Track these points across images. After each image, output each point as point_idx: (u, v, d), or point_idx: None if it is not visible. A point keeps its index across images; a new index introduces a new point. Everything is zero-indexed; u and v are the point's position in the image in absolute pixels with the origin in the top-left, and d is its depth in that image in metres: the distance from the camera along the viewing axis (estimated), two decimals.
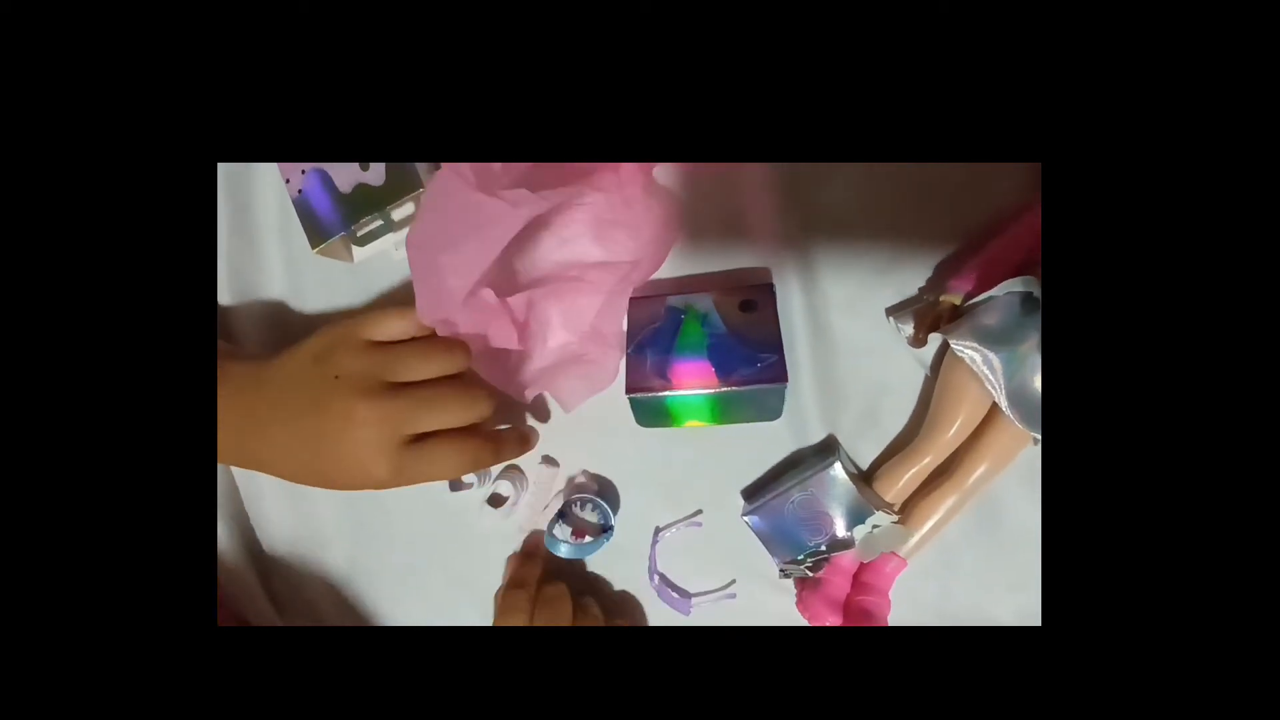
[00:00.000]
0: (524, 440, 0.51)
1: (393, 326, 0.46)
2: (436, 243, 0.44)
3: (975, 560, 0.50)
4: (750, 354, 0.47)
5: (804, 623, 0.50)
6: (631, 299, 0.50)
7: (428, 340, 0.46)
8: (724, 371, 0.46)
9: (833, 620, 0.49)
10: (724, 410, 0.48)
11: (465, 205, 0.43)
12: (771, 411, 0.48)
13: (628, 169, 0.48)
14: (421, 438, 0.44)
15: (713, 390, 0.46)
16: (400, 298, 0.55)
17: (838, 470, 0.48)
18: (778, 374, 0.46)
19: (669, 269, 0.52)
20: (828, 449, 0.51)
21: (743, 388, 0.46)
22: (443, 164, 0.44)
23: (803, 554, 0.49)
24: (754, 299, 0.49)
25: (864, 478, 0.50)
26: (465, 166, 0.43)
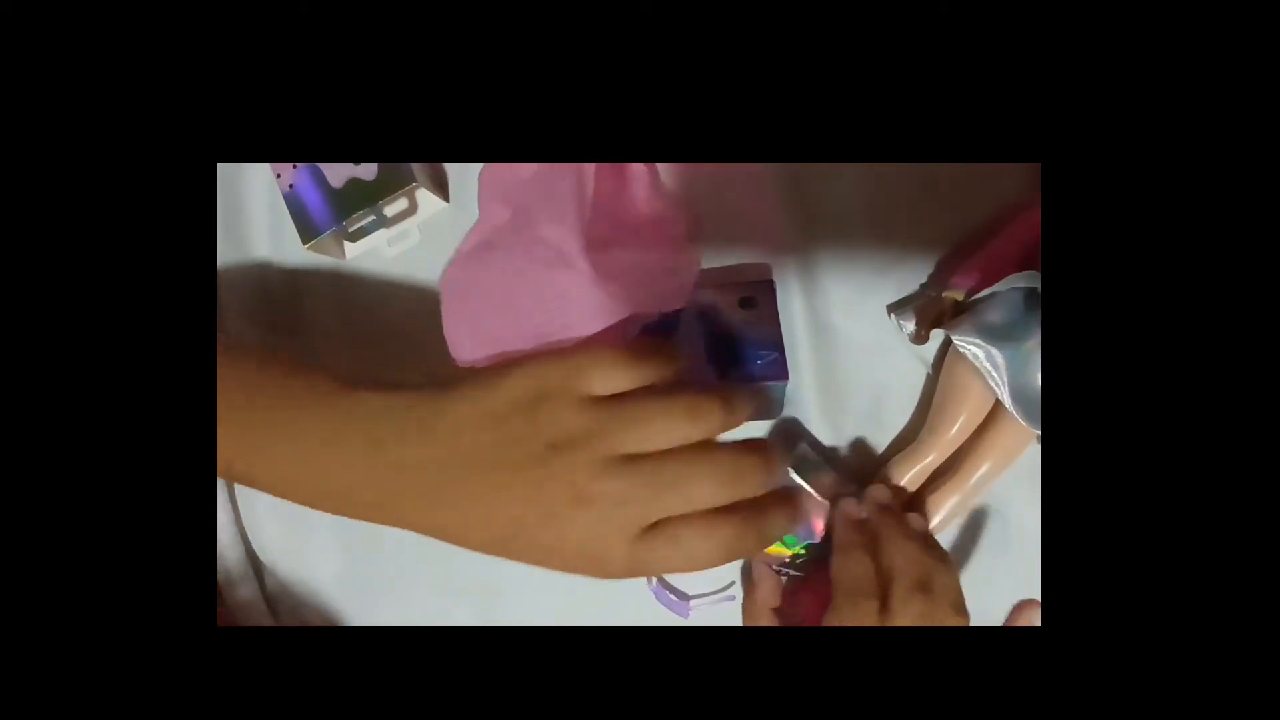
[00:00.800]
0: (791, 507, 0.39)
1: (618, 377, 0.37)
2: (485, 289, 0.43)
3: (978, 562, 0.50)
4: (750, 351, 0.46)
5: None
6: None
7: (666, 398, 0.37)
8: (722, 369, 0.46)
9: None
10: None
11: (562, 287, 0.41)
12: (772, 410, 0.48)
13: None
14: (665, 520, 0.36)
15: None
16: (398, 298, 0.54)
17: (804, 450, 0.48)
18: (779, 372, 0.46)
19: None
20: (794, 437, 0.50)
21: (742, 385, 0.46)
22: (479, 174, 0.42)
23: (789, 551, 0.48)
24: (753, 296, 0.49)
25: (828, 456, 0.50)
26: (568, 235, 0.41)
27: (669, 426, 0.36)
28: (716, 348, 0.46)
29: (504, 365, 0.38)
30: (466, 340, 0.44)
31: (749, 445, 0.37)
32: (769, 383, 0.46)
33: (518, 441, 0.36)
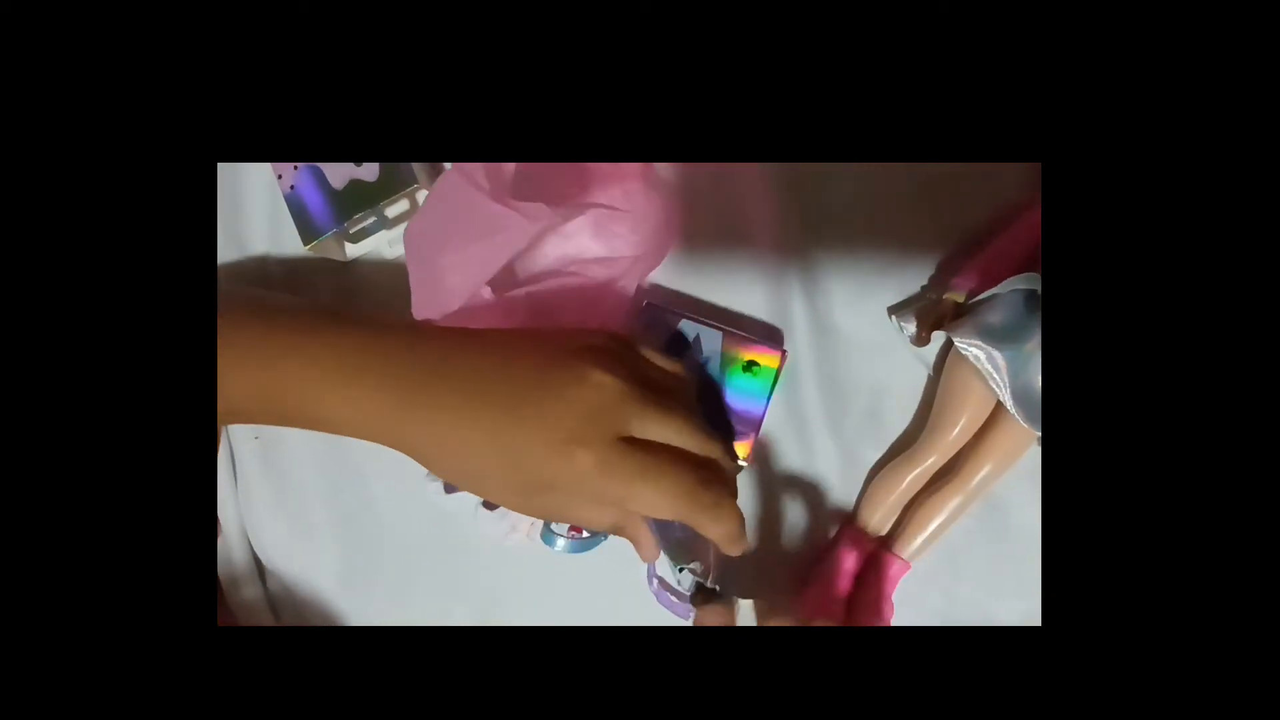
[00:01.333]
0: (733, 485, 0.42)
1: (668, 434, 0.38)
2: (438, 241, 0.44)
3: (980, 565, 0.50)
4: (726, 422, 0.48)
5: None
6: (648, 304, 0.50)
7: (685, 462, 0.38)
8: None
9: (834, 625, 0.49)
10: None
11: (474, 210, 0.42)
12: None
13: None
14: (641, 445, 0.38)
15: None
16: (392, 296, 0.54)
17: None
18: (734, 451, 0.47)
19: (676, 273, 0.52)
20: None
21: None
22: (451, 164, 0.43)
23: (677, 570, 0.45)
24: (759, 362, 0.49)
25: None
26: (476, 168, 0.42)
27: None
28: (703, 399, 0.47)
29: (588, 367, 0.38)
30: (425, 295, 0.45)
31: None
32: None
33: (554, 346, 0.39)
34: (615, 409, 0.37)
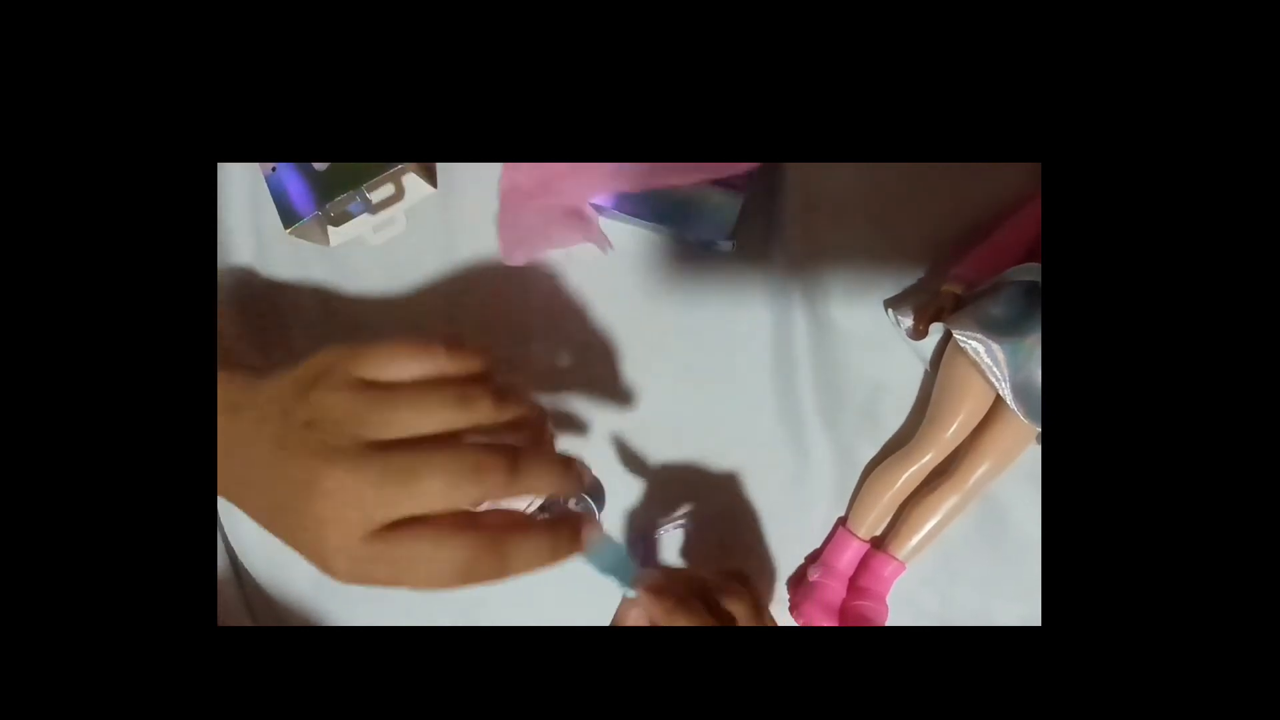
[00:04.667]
0: (549, 536, 0.35)
1: (400, 366, 0.35)
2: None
3: (978, 567, 0.51)
4: (701, 221, 0.50)
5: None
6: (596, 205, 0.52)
7: (437, 385, 0.35)
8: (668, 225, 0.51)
9: (828, 626, 0.49)
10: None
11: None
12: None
13: None
14: (402, 524, 0.33)
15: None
16: (383, 291, 0.55)
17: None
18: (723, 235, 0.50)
19: (673, 267, 0.53)
20: None
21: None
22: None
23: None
24: (729, 180, 0.50)
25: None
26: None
27: (428, 411, 0.34)
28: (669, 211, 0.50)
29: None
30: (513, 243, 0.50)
31: (499, 447, 0.34)
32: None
33: (287, 417, 0.35)
34: (350, 521, 0.33)
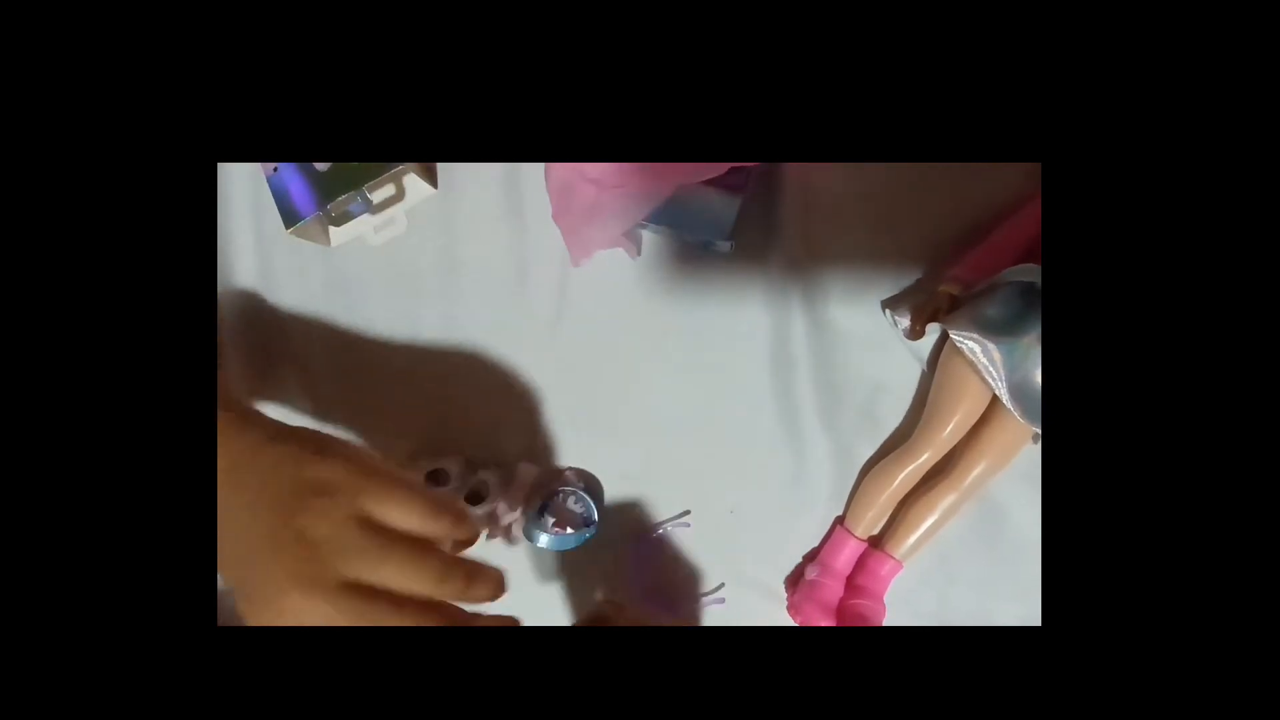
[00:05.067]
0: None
1: (404, 516, 0.38)
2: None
3: (975, 567, 0.51)
4: (700, 221, 0.51)
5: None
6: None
7: (427, 553, 0.38)
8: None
9: (825, 625, 0.50)
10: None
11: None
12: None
13: None
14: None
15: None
16: (379, 290, 0.55)
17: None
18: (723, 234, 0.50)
19: (672, 266, 0.53)
20: None
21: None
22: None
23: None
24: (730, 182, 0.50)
25: None
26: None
27: (411, 577, 0.37)
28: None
29: (328, 441, 0.40)
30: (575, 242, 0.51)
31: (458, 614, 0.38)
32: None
33: (281, 507, 0.37)
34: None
